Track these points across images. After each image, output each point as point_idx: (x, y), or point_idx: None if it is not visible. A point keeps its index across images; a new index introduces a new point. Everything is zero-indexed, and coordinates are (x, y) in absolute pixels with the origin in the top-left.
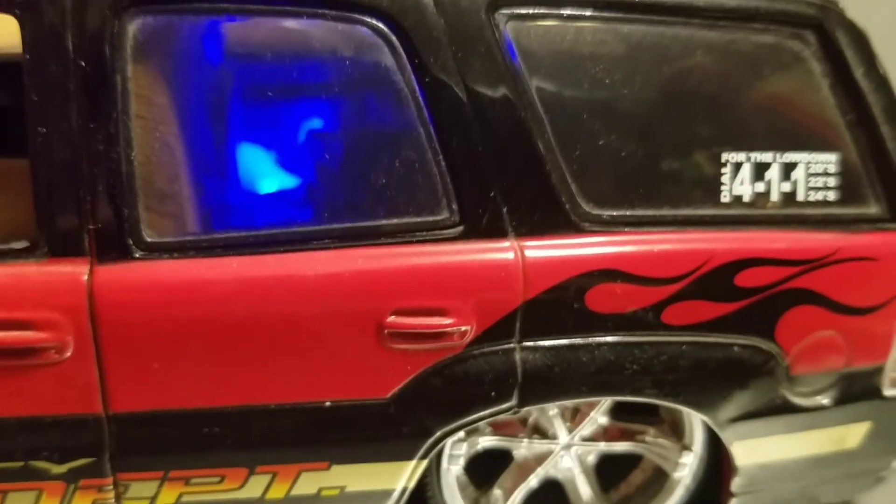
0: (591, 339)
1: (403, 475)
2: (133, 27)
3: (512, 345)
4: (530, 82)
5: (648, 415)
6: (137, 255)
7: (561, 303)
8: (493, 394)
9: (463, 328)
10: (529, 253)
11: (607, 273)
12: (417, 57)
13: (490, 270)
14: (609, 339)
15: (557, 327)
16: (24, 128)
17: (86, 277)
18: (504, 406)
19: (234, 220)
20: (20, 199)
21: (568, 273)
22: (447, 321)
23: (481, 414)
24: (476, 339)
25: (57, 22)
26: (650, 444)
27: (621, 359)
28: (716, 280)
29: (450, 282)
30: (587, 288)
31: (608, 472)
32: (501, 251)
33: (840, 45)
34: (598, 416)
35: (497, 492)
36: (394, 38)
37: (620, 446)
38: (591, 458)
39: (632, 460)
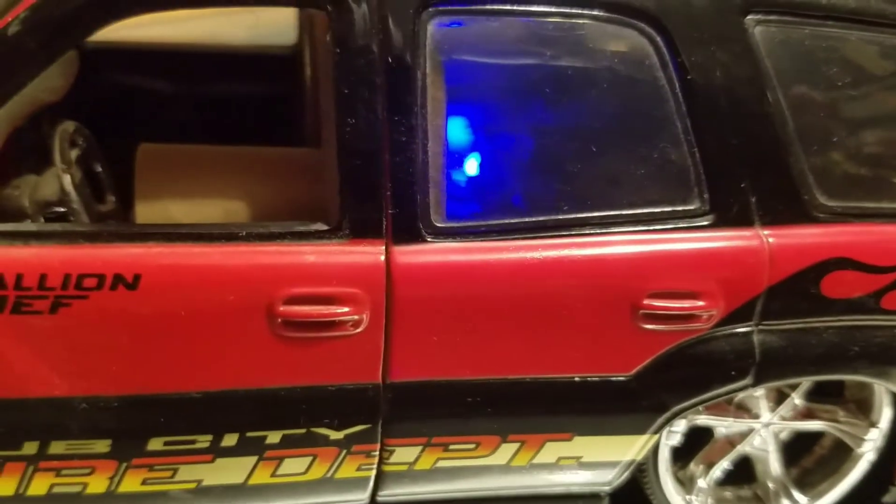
0: (820, 323)
1: (635, 448)
2: (431, 26)
3: (751, 327)
4: (776, 83)
5: (828, 395)
6: (428, 239)
7: (800, 288)
8: (732, 373)
9: (712, 311)
10: (774, 241)
11: (840, 261)
12: (679, 56)
13: (740, 257)
14: (836, 322)
15: (793, 311)
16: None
17: (383, 258)
18: (740, 384)
19: (510, 209)
20: (275, 186)
21: (808, 261)
22: (699, 304)
23: (717, 391)
24: (720, 322)
25: (365, 19)
26: (842, 423)
27: (845, 340)
28: None
29: (703, 267)
30: (823, 275)
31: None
32: (750, 239)
33: None
34: (797, 398)
35: (694, 467)
36: (659, 40)
37: (814, 425)
38: (784, 436)
39: (806, 439)
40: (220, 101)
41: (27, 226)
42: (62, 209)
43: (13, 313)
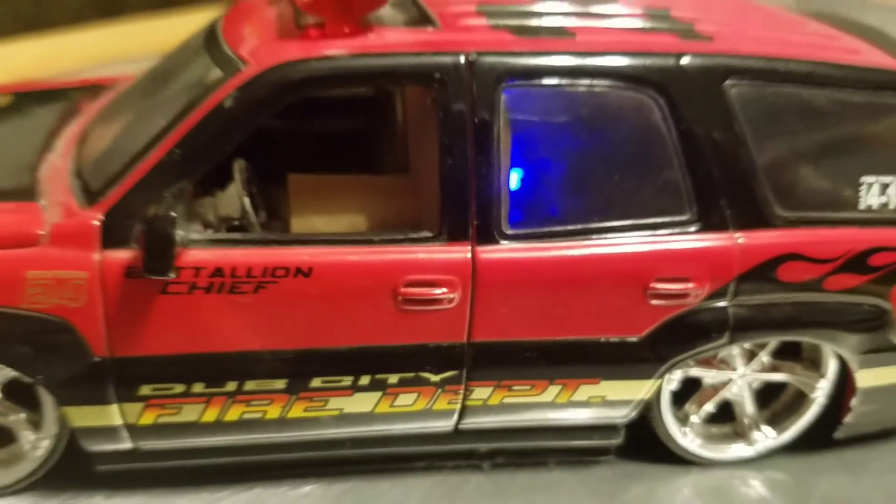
0: (778, 299)
1: (644, 389)
2: (504, 95)
3: (726, 303)
4: (745, 128)
5: (790, 355)
6: (500, 241)
7: (761, 275)
8: (713, 335)
9: (699, 291)
10: (743, 241)
11: (791, 255)
12: (676, 112)
13: (719, 253)
14: (789, 299)
15: (757, 291)
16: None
17: (469, 255)
18: (719, 343)
19: (556, 220)
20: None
21: (767, 255)
22: (690, 286)
23: (703, 348)
24: (705, 299)
25: (460, 91)
26: (799, 375)
27: (798, 312)
28: (856, 261)
29: (692, 260)
30: (779, 265)
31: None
32: (726, 240)
33: None
34: (764, 356)
35: (688, 407)
36: (661, 100)
37: (777, 376)
38: (756, 385)
39: (772, 389)
40: (317, 135)
41: (238, 235)
42: (241, 222)
43: (229, 293)
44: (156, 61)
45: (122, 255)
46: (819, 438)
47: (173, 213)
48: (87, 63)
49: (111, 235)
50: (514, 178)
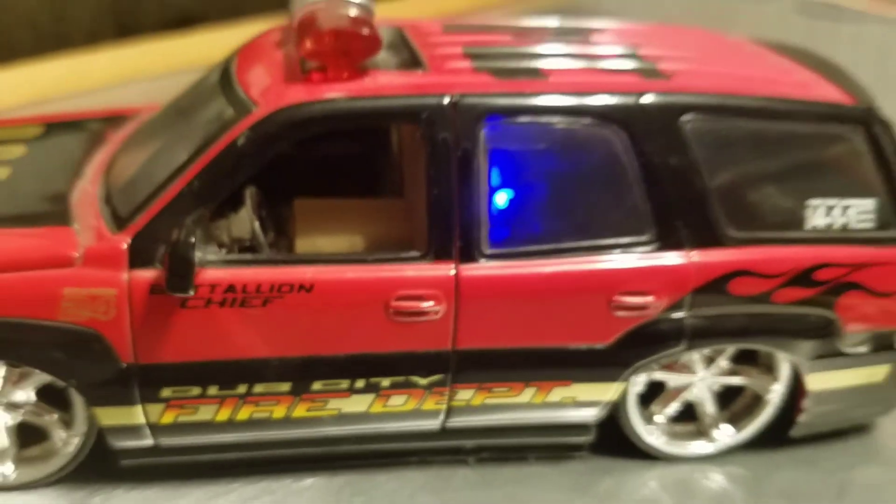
0: (729, 311)
1: (611, 391)
2: (484, 131)
3: (683, 314)
4: (700, 158)
5: (747, 360)
6: (480, 260)
7: (714, 289)
8: (671, 342)
9: (659, 304)
10: (696, 259)
11: (741, 272)
12: (637, 145)
13: (675, 270)
14: (741, 311)
15: (712, 303)
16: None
17: (454, 272)
18: (677, 349)
19: (531, 241)
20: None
21: (719, 272)
22: (650, 299)
23: (663, 354)
24: (664, 311)
25: (445, 128)
26: (755, 379)
27: (749, 322)
28: (802, 276)
29: (652, 276)
30: (729, 280)
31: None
32: (681, 258)
33: (877, 135)
34: (722, 361)
35: (654, 408)
36: (625, 135)
37: (736, 380)
38: (715, 388)
39: (733, 391)
40: (322, 160)
41: (249, 256)
42: (251, 243)
43: (240, 307)
44: (176, 95)
45: (148, 275)
46: (775, 436)
47: (193, 239)
48: (105, 82)
49: (137, 257)
50: (493, 203)
